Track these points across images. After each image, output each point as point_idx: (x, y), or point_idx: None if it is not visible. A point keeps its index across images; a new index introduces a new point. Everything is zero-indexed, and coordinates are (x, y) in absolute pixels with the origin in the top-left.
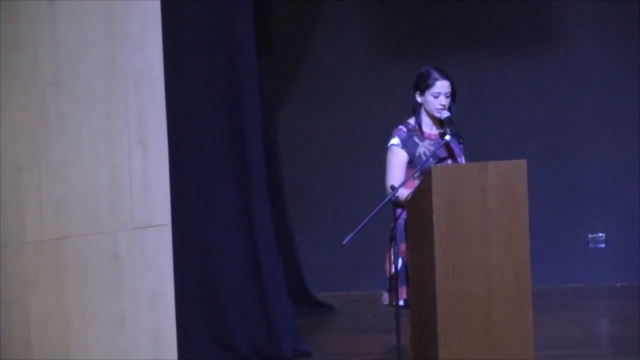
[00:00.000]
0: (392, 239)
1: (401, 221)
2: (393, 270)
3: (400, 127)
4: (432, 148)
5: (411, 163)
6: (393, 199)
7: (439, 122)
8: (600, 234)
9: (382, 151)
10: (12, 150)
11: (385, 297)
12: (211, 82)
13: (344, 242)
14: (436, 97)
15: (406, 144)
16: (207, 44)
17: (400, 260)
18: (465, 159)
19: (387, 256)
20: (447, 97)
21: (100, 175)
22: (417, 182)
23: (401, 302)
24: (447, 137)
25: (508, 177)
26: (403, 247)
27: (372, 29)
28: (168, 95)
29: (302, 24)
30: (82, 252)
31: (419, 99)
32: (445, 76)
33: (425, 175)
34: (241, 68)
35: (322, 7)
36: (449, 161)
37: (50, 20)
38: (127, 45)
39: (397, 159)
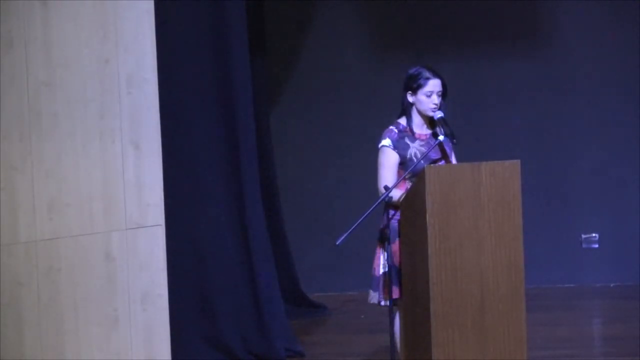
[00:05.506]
0: (384, 239)
1: (394, 222)
2: (384, 269)
3: (391, 128)
4: (423, 149)
5: (402, 164)
6: (386, 199)
7: (429, 122)
8: (593, 234)
9: (375, 152)
10: (4, 151)
11: (373, 295)
12: (204, 83)
13: (337, 242)
14: (429, 97)
15: (397, 146)
16: (200, 45)
17: (391, 260)
18: (455, 158)
19: (376, 256)
20: (439, 95)
21: (93, 175)
22: (408, 183)
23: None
24: (441, 138)
25: (501, 177)
26: (394, 247)
27: (364, 29)
28: (161, 96)
29: (295, 25)
30: (75, 253)
31: (410, 99)
32: (437, 75)
33: (419, 176)
34: (234, 69)
35: (314, 7)
36: (442, 162)
37: (43, 21)
38: (120, 46)
39: (388, 160)
